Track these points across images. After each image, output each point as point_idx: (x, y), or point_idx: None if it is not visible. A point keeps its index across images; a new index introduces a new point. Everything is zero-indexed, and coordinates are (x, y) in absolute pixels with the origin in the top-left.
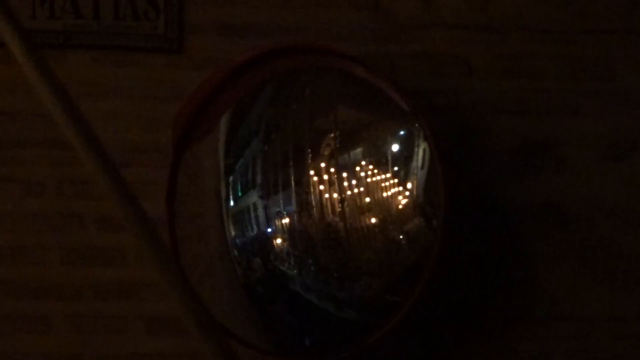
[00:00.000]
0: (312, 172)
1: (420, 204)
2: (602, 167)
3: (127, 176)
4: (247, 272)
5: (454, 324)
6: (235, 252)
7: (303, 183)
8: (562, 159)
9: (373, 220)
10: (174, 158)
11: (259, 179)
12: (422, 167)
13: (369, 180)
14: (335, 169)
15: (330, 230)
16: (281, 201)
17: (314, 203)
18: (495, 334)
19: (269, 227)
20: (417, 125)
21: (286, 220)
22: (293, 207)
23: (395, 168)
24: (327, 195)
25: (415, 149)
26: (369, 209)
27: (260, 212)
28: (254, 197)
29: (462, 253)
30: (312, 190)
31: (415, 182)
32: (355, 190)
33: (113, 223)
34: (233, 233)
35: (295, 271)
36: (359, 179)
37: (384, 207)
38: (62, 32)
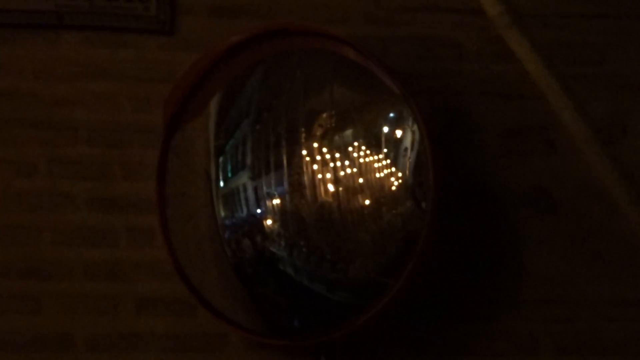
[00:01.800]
0: (304, 152)
1: (410, 186)
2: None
3: (119, 157)
4: (237, 253)
5: (442, 306)
6: (225, 233)
7: (295, 163)
8: (551, 142)
9: (367, 202)
10: (165, 139)
11: (249, 160)
12: (412, 149)
13: (361, 160)
14: (328, 149)
15: (323, 211)
16: (272, 181)
17: (306, 183)
18: (483, 317)
19: (258, 208)
20: (407, 107)
21: (277, 201)
22: (285, 187)
23: (385, 150)
24: (320, 176)
25: (406, 131)
26: (362, 190)
27: (250, 193)
28: (244, 178)
29: (452, 235)
30: (304, 170)
31: (407, 163)
32: (349, 171)
33: (104, 204)
34: (223, 214)
35: (286, 253)
36: (352, 159)
37: (377, 188)
38: (54, 13)
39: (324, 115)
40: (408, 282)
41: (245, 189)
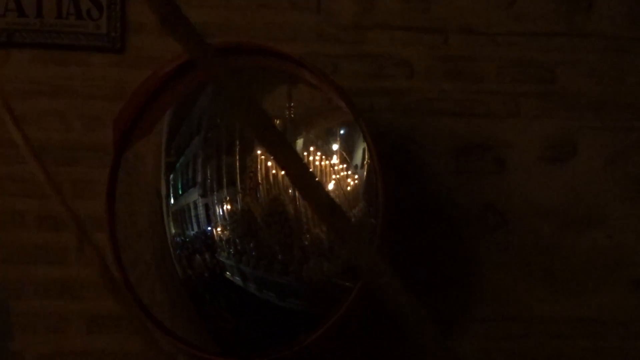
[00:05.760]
0: (259, 152)
1: (363, 189)
2: (542, 170)
3: (69, 175)
4: (187, 270)
5: (393, 324)
6: (176, 251)
7: (248, 167)
8: (502, 160)
9: None
10: (115, 157)
11: (199, 177)
12: (362, 167)
13: (317, 164)
14: None
15: (276, 205)
16: (225, 185)
17: (260, 180)
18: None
19: (209, 224)
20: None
21: (228, 207)
22: (237, 188)
23: (342, 165)
24: (274, 171)
25: (357, 149)
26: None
27: (201, 210)
28: (194, 195)
29: (402, 253)
30: (259, 168)
31: (355, 182)
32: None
33: (54, 221)
34: (173, 231)
35: (234, 260)
36: (307, 162)
37: (332, 187)
38: (4, 31)
39: (277, 122)
40: (351, 310)
41: (195, 206)
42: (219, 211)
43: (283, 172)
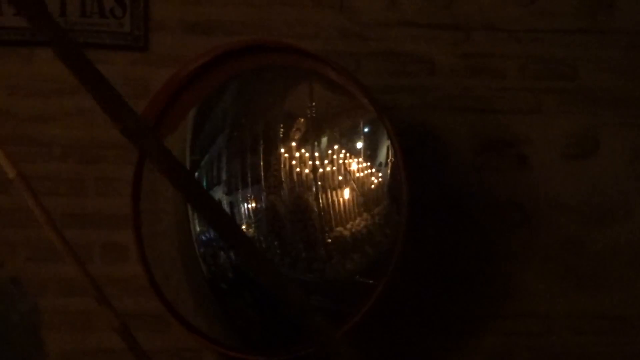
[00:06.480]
0: (282, 150)
1: (388, 185)
2: (564, 166)
3: (93, 173)
4: (212, 267)
5: (418, 321)
6: (201, 248)
7: (273, 165)
8: (525, 157)
9: (346, 196)
10: (140, 155)
11: (224, 176)
12: (387, 165)
13: (340, 162)
14: (306, 149)
15: (300, 203)
16: (250, 184)
17: (283, 178)
18: (458, 330)
19: None
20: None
21: (252, 205)
22: (262, 185)
23: (366, 163)
24: (298, 170)
25: (381, 146)
26: (341, 186)
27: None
28: (219, 193)
29: (425, 250)
30: (282, 167)
31: (379, 180)
32: (328, 169)
33: (78, 219)
34: (198, 229)
35: None
36: (331, 160)
37: (357, 185)
38: (28, 29)
39: (301, 120)
40: (379, 303)
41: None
42: (244, 209)
43: (307, 171)
